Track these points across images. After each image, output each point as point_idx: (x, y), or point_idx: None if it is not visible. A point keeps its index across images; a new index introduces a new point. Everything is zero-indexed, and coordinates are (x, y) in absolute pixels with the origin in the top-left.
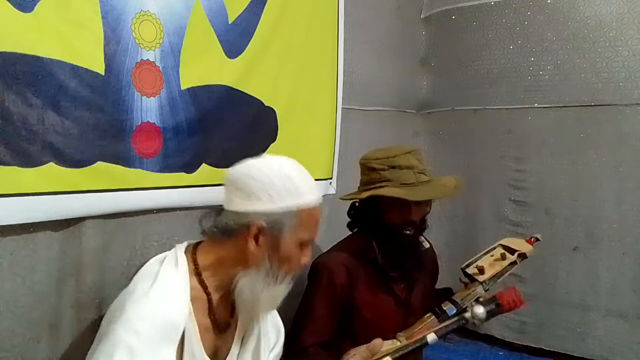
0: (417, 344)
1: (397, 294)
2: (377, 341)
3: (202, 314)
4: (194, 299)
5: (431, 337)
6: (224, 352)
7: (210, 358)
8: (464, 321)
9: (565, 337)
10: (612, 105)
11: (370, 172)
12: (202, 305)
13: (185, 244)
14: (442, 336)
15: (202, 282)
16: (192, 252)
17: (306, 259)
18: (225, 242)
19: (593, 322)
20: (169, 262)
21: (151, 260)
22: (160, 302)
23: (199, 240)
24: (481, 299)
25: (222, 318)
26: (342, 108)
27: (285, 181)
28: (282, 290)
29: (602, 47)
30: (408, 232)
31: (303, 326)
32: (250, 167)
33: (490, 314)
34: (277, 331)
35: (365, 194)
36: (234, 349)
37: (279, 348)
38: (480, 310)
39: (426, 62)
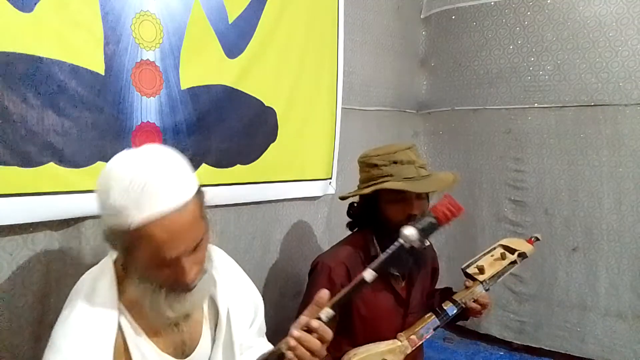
0: (355, 286)
1: (397, 292)
2: (323, 292)
3: (144, 314)
4: (130, 304)
5: (368, 274)
6: (192, 345)
7: (173, 355)
8: (397, 247)
9: (564, 337)
10: (612, 105)
11: (371, 168)
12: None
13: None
14: (377, 268)
15: None
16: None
17: (185, 278)
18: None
19: (592, 322)
20: (94, 276)
21: (82, 277)
22: (84, 312)
23: None
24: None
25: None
26: (342, 108)
27: (105, 198)
28: (178, 304)
29: (602, 47)
30: None
31: None
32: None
33: (425, 231)
34: (254, 306)
35: (368, 189)
36: (206, 337)
37: (259, 322)
38: (409, 230)
39: (426, 62)
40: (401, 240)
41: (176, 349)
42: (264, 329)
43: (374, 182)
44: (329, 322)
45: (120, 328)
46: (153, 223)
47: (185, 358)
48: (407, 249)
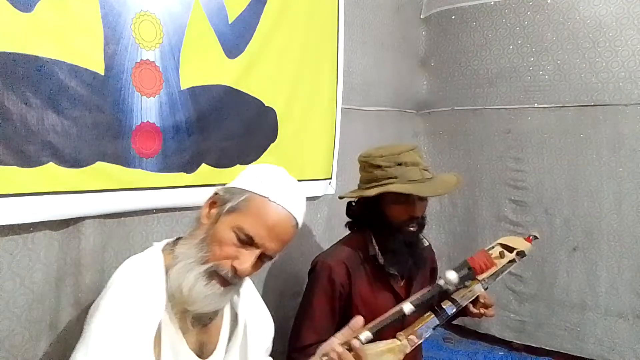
0: (395, 317)
1: (396, 292)
2: (358, 318)
3: (180, 309)
4: (171, 296)
5: (407, 307)
6: (210, 348)
7: (195, 354)
8: (438, 288)
9: (564, 336)
10: (612, 105)
11: (374, 169)
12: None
13: (164, 241)
14: (417, 305)
15: None
16: (172, 247)
17: (240, 263)
18: (196, 229)
19: (592, 322)
20: (144, 259)
21: (127, 260)
22: (132, 299)
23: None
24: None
25: (201, 313)
26: (342, 108)
27: (263, 172)
28: (203, 287)
29: (602, 47)
30: (412, 228)
31: (304, 324)
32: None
33: (462, 279)
34: (266, 325)
35: (373, 191)
36: (221, 344)
37: (269, 342)
38: (452, 275)
39: (426, 62)
40: (441, 282)
41: (196, 348)
42: (270, 350)
43: (378, 183)
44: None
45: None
46: (279, 207)
47: (204, 359)
48: (444, 290)
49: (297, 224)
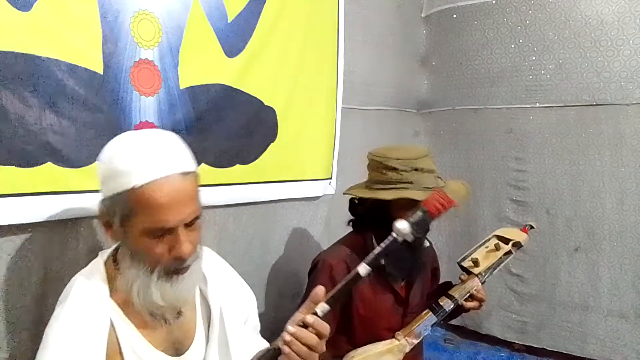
0: (350, 281)
1: (396, 292)
2: (318, 289)
3: (137, 312)
4: (122, 302)
5: (363, 269)
6: (187, 343)
7: (166, 352)
8: (391, 241)
9: (566, 337)
10: (614, 105)
11: (389, 171)
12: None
13: (110, 249)
14: (371, 263)
15: None
16: (115, 253)
17: (178, 250)
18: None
19: (594, 322)
20: (84, 275)
21: (73, 277)
22: (72, 322)
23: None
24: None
25: (163, 310)
26: (342, 107)
27: (110, 166)
28: (170, 289)
29: (604, 47)
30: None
31: None
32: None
33: (418, 225)
34: (246, 304)
35: (389, 195)
36: (199, 337)
37: (253, 320)
38: (403, 225)
39: (426, 61)
40: (394, 234)
41: (169, 347)
42: (258, 327)
43: (392, 186)
44: (326, 317)
45: (112, 326)
46: (156, 183)
47: (179, 356)
48: (401, 243)
49: (183, 172)
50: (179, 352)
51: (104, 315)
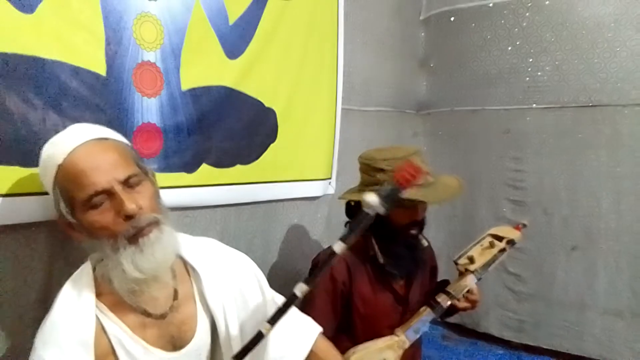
0: (326, 259)
1: (396, 291)
2: None
3: (127, 311)
4: (112, 303)
5: (338, 246)
6: (184, 337)
7: (163, 348)
8: (363, 216)
9: (563, 335)
10: (610, 106)
11: (377, 172)
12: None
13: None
14: (346, 239)
15: None
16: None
17: (123, 211)
18: (95, 245)
19: (591, 321)
20: (73, 279)
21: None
22: (58, 326)
23: None
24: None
25: (155, 305)
26: (342, 108)
27: (41, 162)
28: (140, 256)
29: (600, 48)
30: (414, 231)
31: None
32: None
33: (387, 197)
34: (257, 284)
35: None
36: (202, 331)
37: (269, 293)
38: (372, 197)
39: (425, 62)
40: (365, 209)
41: (166, 343)
42: (276, 296)
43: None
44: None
45: (102, 329)
46: (74, 153)
47: (177, 351)
48: (373, 217)
49: (98, 137)
50: (177, 347)
51: (90, 317)
